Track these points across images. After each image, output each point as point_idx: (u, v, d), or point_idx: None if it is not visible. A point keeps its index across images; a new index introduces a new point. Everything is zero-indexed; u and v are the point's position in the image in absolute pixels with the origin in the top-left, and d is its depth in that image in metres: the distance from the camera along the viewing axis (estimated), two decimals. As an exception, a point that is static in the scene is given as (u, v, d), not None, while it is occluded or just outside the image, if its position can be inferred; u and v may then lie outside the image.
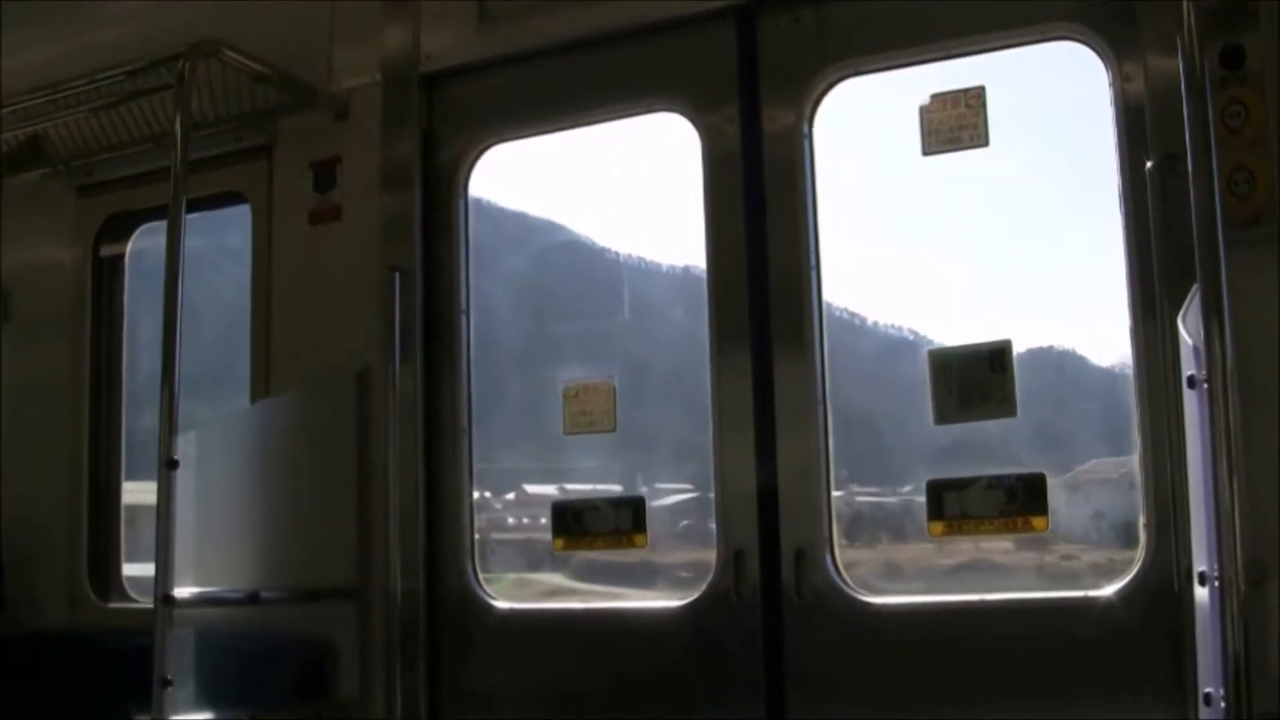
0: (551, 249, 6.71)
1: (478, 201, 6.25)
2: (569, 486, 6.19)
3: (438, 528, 6.01)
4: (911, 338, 5.58)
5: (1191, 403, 4.31)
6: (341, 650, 6.01)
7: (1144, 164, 4.71)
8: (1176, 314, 4.45)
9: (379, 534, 5.87)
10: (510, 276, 6.61)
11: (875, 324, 5.83)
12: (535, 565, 6.16)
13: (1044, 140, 5.30)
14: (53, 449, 7.25)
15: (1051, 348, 5.31)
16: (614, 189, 6.16)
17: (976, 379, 5.02)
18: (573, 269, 6.68)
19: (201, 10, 6.69)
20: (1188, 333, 4.33)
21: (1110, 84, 4.98)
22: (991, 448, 5.18)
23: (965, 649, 5.02)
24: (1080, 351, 5.35)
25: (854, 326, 5.79)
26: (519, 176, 6.33)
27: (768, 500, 5.38)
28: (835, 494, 5.34)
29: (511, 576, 6.16)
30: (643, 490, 5.92)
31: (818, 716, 5.23)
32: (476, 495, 6.09)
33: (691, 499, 5.93)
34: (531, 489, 6.36)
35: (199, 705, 5.70)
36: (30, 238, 7.52)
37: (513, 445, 6.49)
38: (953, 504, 5.04)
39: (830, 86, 5.49)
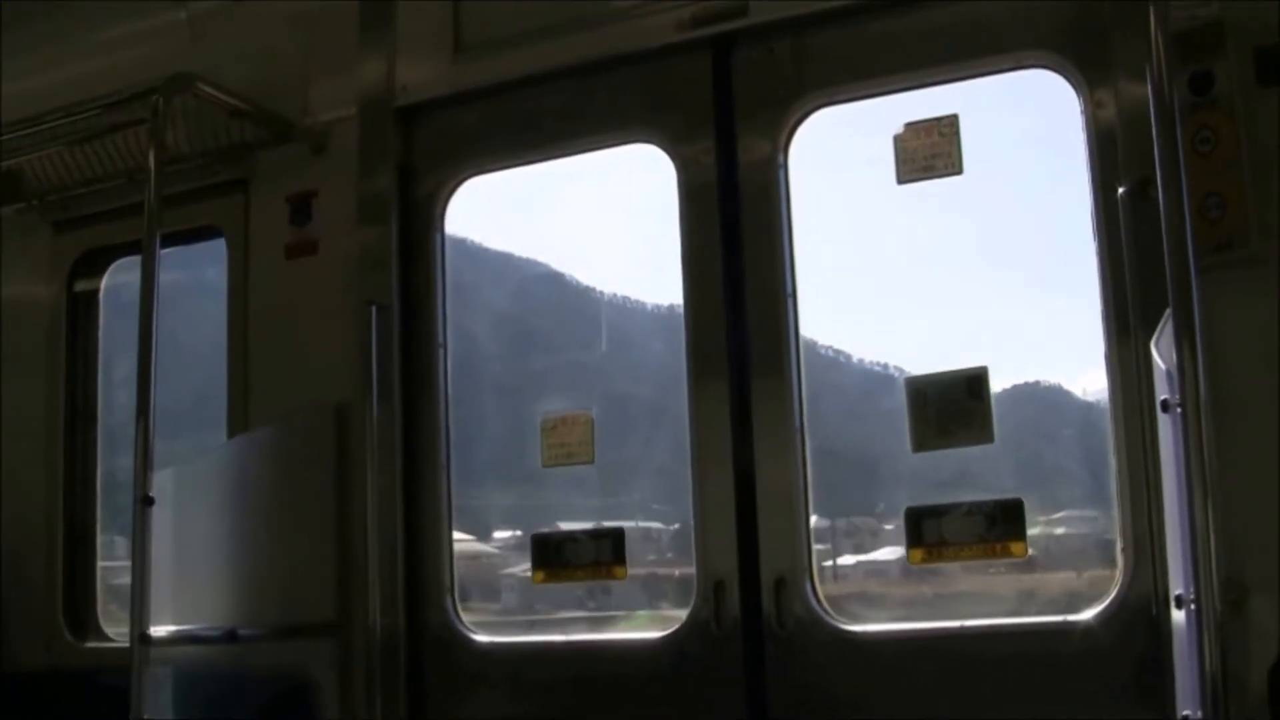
0: (529, 281, 6.72)
1: (454, 234, 6.24)
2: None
3: (417, 562, 5.99)
4: (888, 366, 5.59)
5: (1166, 427, 4.33)
6: (322, 687, 5.96)
7: (1116, 190, 4.74)
8: (1150, 339, 4.47)
9: (359, 569, 5.82)
10: (488, 310, 6.61)
11: (852, 353, 5.85)
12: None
13: (1017, 167, 5.32)
14: (27, 487, 7.20)
15: (1028, 375, 5.32)
16: (590, 221, 6.18)
17: (954, 406, 5.03)
18: (550, 301, 6.69)
19: (177, 44, 6.71)
20: (1161, 357, 4.35)
21: (1082, 111, 5.00)
22: (971, 475, 5.20)
23: (947, 676, 5.01)
24: (1056, 378, 5.37)
25: (831, 355, 5.80)
26: (496, 209, 6.33)
27: (747, 530, 5.37)
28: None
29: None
30: (625, 522, 5.89)
31: (800, 746, 5.23)
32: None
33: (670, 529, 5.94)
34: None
35: (177, 745, 5.68)
36: (5, 273, 7.49)
37: (491, 478, 6.48)
38: (932, 530, 5.03)
39: (805, 116, 5.51)
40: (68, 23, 7.12)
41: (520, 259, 6.68)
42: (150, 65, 6.32)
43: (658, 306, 6.18)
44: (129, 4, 6.92)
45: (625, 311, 6.45)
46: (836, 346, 5.79)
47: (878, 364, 5.76)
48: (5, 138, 6.53)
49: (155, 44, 6.81)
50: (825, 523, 5.48)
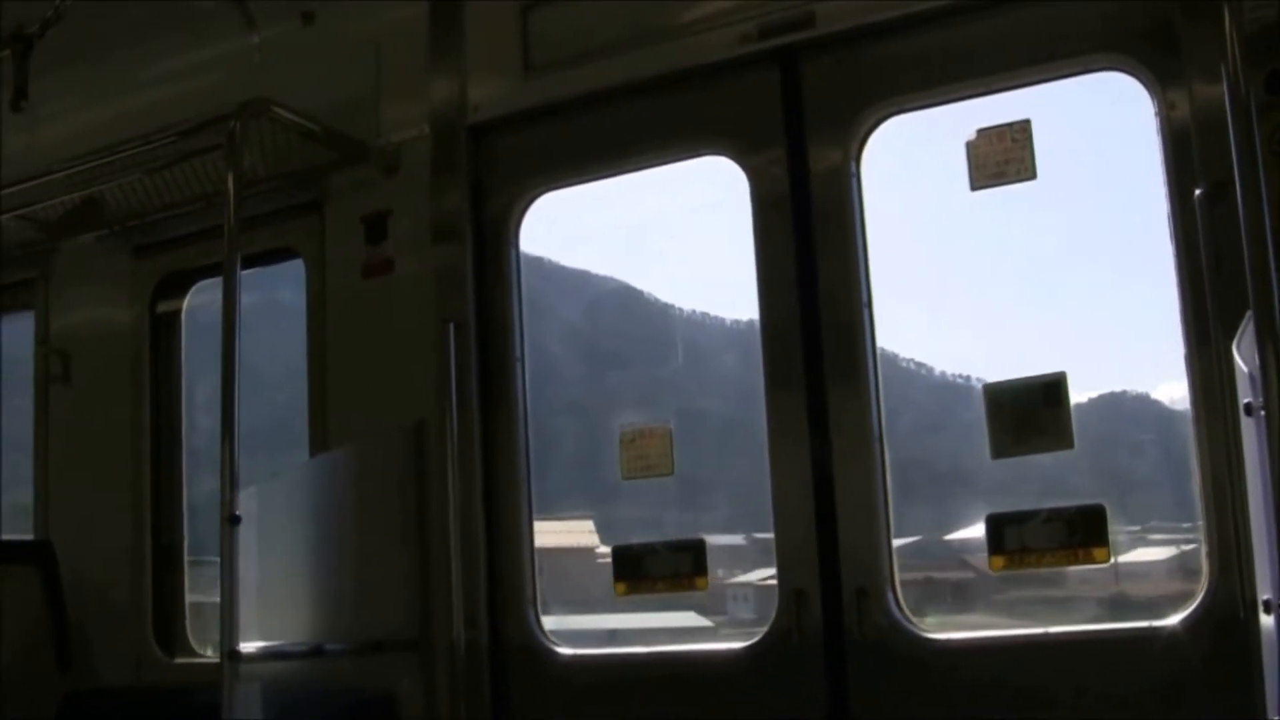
0: (603, 296, 6.74)
1: (529, 251, 6.28)
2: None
3: (499, 577, 6.02)
4: (969, 377, 5.57)
5: (1249, 430, 4.27)
6: (406, 702, 6.00)
7: (1192, 192, 4.71)
8: (1231, 341, 4.42)
9: (441, 584, 5.88)
10: (563, 325, 6.63)
11: (929, 361, 5.84)
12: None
13: (1091, 172, 5.29)
14: (114, 507, 7.29)
15: (1107, 380, 5.31)
16: (664, 234, 6.19)
17: (1032, 413, 5.01)
18: (625, 315, 6.70)
19: (249, 70, 6.77)
20: (1243, 360, 4.30)
21: (1155, 113, 4.98)
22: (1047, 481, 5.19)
23: (1030, 684, 4.99)
24: (1136, 382, 5.35)
25: (909, 364, 5.79)
26: (569, 224, 6.36)
27: (827, 539, 5.37)
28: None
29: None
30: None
31: (883, 756, 5.22)
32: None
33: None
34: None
35: (267, 759, 5.73)
36: (87, 299, 7.64)
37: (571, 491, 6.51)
38: (1013, 537, 5.01)
39: (875, 125, 5.51)
40: (143, 52, 7.19)
41: (594, 273, 6.71)
42: (224, 91, 6.40)
43: (735, 321, 6.19)
44: (201, 32, 6.97)
45: (700, 325, 6.46)
46: (914, 355, 5.79)
47: (957, 373, 5.75)
48: (85, 166, 6.62)
49: (228, 70, 6.89)
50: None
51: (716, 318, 6.45)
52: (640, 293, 6.63)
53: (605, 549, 6.02)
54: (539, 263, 6.39)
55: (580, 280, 6.77)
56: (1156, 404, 5.32)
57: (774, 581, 5.52)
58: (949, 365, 5.79)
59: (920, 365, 5.90)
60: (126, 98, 7.24)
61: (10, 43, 6.34)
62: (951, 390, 5.78)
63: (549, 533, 6.22)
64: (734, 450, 6.09)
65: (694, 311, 6.45)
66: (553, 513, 6.33)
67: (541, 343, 6.31)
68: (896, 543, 5.33)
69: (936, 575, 5.73)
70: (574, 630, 6.21)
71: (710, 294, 6.23)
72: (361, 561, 6.13)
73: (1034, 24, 5.20)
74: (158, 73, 7.22)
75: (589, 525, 6.32)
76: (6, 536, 7.60)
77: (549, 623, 6.04)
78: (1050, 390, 4.99)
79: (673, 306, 6.48)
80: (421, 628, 5.98)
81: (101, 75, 7.33)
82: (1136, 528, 5.25)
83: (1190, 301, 4.81)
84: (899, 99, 5.48)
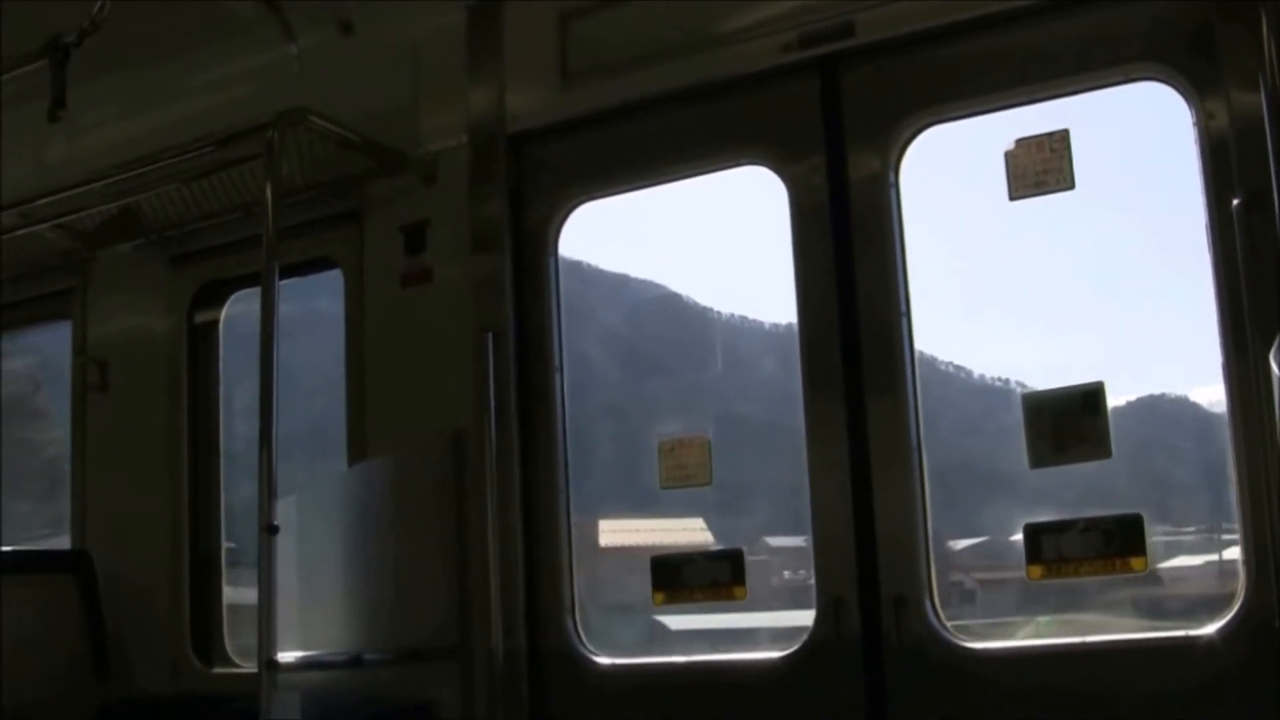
0: (642, 304, 6.75)
1: (568, 259, 6.30)
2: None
3: (537, 586, 6.03)
4: (1010, 380, 5.58)
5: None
6: (445, 710, 6.01)
7: (1230, 201, 4.70)
8: (1268, 351, 4.42)
9: (479, 593, 5.90)
10: (603, 333, 6.65)
11: (969, 370, 5.84)
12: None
13: (1130, 181, 5.30)
14: (151, 517, 7.33)
15: (1145, 389, 5.31)
16: (703, 243, 6.20)
17: (1071, 421, 5.01)
18: (664, 323, 6.71)
19: (287, 79, 6.80)
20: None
21: (1194, 123, 4.97)
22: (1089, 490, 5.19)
23: (1068, 693, 4.99)
24: (1173, 391, 5.35)
25: (947, 372, 5.80)
26: (608, 233, 6.38)
27: (865, 548, 5.38)
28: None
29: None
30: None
31: (922, 765, 5.23)
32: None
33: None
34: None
35: (305, 769, 5.74)
36: (125, 308, 7.68)
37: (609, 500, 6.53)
38: (1050, 547, 5.01)
39: (915, 134, 5.52)
40: (181, 62, 7.22)
41: (633, 282, 6.72)
42: (262, 101, 6.42)
43: (774, 325, 6.20)
44: (240, 42, 7.01)
45: (740, 332, 6.47)
46: (953, 363, 5.80)
47: (997, 379, 5.76)
48: (123, 176, 6.66)
49: (266, 80, 6.92)
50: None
51: (756, 321, 6.46)
52: (680, 297, 6.64)
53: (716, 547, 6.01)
54: (578, 271, 6.41)
55: (620, 288, 6.79)
56: (1193, 411, 5.32)
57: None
58: (989, 370, 5.81)
59: (960, 369, 5.91)
60: (164, 108, 7.25)
61: (48, 51, 6.36)
62: (992, 394, 5.78)
63: (658, 530, 6.20)
64: (773, 457, 6.09)
65: (734, 315, 6.47)
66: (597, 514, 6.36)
67: (581, 351, 6.32)
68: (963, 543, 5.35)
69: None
70: (689, 630, 6.21)
71: (752, 298, 6.26)
72: (399, 570, 6.16)
73: (1072, 33, 5.21)
74: (196, 83, 7.24)
75: (700, 523, 6.26)
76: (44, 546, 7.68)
77: (672, 623, 6.07)
78: (1089, 399, 4.99)
79: (713, 310, 6.49)
80: (460, 636, 5.99)
81: (139, 85, 7.36)
82: (1175, 534, 5.26)
83: (1228, 310, 4.80)
84: (938, 108, 5.50)
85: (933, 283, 5.47)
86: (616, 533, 6.43)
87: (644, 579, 5.86)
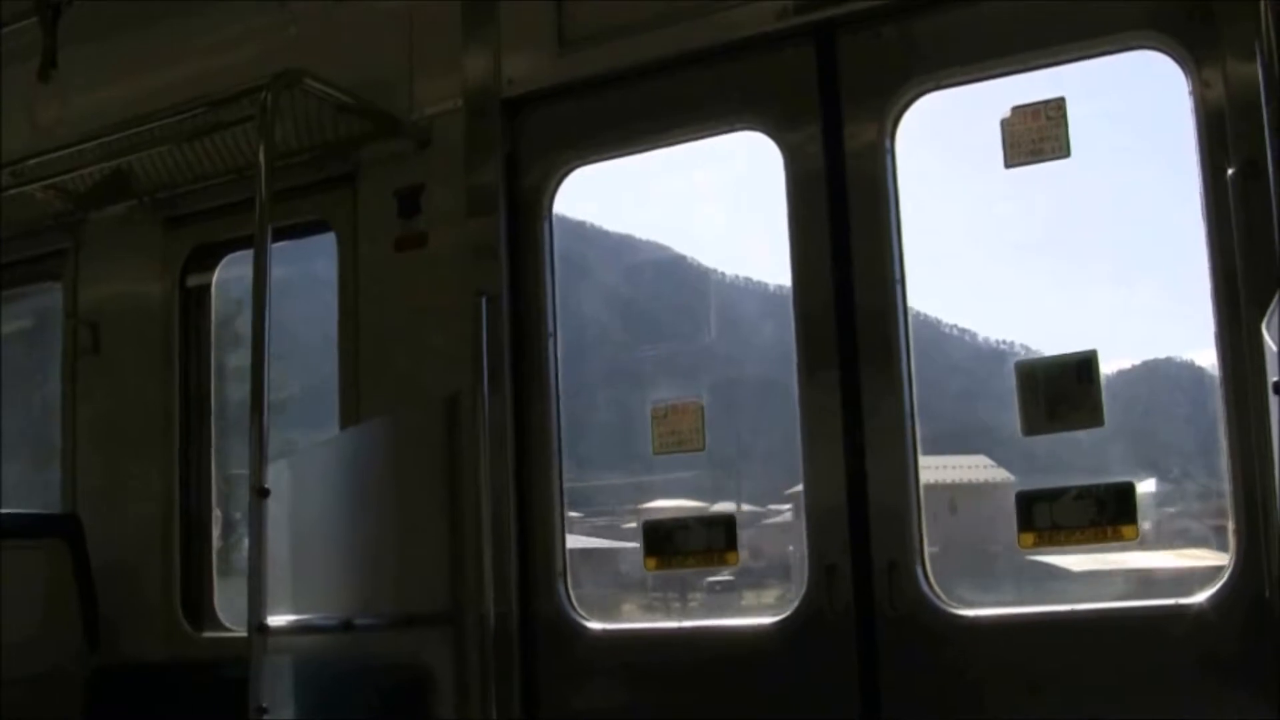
0: (637, 268, 6.74)
1: (562, 223, 6.29)
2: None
3: (530, 551, 6.04)
4: (998, 349, 5.58)
5: (1277, 409, 4.29)
6: (437, 674, 6.03)
7: (1225, 171, 4.71)
8: (1261, 320, 4.43)
9: (471, 558, 5.89)
10: (597, 298, 6.64)
11: (962, 336, 5.84)
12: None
13: (1126, 149, 5.30)
14: (142, 480, 7.33)
15: (1139, 357, 5.31)
16: (698, 208, 6.20)
17: (1064, 390, 5.02)
18: (659, 288, 6.71)
19: (282, 43, 6.78)
20: (1272, 339, 4.31)
21: (1190, 92, 4.98)
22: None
23: (1057, 659, 5.02)
24: (1166, 360, 5.35)
25: (941, 339, 5.80)
26: (603, 198, 6.37)
27: (858, 514, 5.38)
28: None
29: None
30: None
31: (914, 729, 5.24)
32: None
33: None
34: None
35: (295, 734, 5.75)
36: (117, 271, 7.66)
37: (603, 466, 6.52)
38: (1043, 515, 5.02)
39: (911, 101, 5.51)
40: (175, 25, 7.21)
41: (628, 246, 6.71)
42: (256, 65, 6.41)
43: (763, 289, 6.19)
44: (235, 5, 7.00)
45: (734, 296, 6.46)
46: (948, 329, 5.80)
47: (993, 343, 5.76)
48: (115, 137, 6.63)
49: (261, 44, 6.91)
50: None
51: (749, 287, 6.46)
52: (673, 263, 6.63)
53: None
54: (573, 235, 6.40)
55: (614, 252, 6.78)
56: (1186, 381, 5.33)
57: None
58: (982, 338, 5.81)
59: (964, 331, 5.91)
60: (158, 70, 7.22)
61: (39, 9, 6.33)
62: (986, 361, 5.77)
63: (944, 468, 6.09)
64: (767, 423, 6.09)
65: (725, 279, 6.46)
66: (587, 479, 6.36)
67: (575, 315, 6.32)
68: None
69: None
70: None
71: (746, 266, 6.26)
72: (391, 535, 6.14)
73: (1069, 2, 5.20)
74: (190, 45, 7.21)
75: (984, 460, 6.12)
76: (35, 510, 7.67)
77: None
78: (1082, 368, 5.00)
79: (706, 276, 6.48)
80: (452, 601, 5.99)
81: (133, 47, 7.36)
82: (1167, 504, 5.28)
83: (1221, 280, 4.80)
84: (934, 75, 5.48)
85: (928, 251, 5.46)
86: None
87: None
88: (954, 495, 5.85)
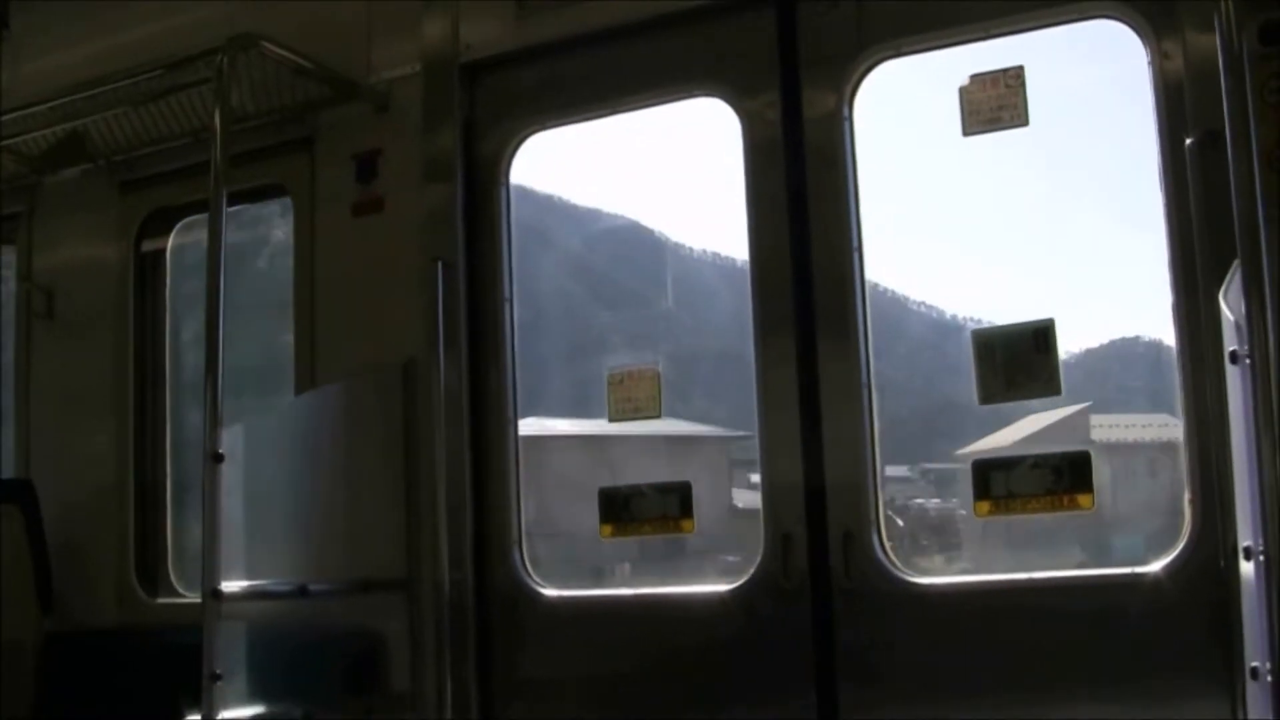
0: (595, 236, 6.73)
1: (520, 189, 6.26)
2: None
3: (485, 517, 6.03)
4: (955, 318, 5.59)
5: (1234, 378, 4.28)
6: (392, 642, 6.03)
7: (1184, 141, 4.71)
8: (1218, 290, 4.43)
9: (427, 525, 5.88)
10: (554, 264, 6.63)
11: (919, 305, 5.84)
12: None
13: (1084, 119, 5.30)
14: (96, 446, 7.29)
15: (1096, 327, 5.32)
16: (656, 175, 6.18)
17: (1021, 359, 5.02)
18: (617, 255, 6.70)
19: (239, 5, 6.70)
20: (1229, 308, 4.31)
21: (1149, 62, 4.98)
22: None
23: (1013, 628, 5.03)
24: (1123, 329, 5.36)
25: (898, 309, 5.80)
26: (561, 164, 6.35)
27: (814, 484, 5.38)
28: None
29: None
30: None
31: (868, 698, 5.25)
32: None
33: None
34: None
35: (249, 700, 5.71)
36: (72, 235, 7.60)
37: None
38: (999, 483, 5.03)
39: (870, 69, 5.49)
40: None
41: (586, 213, 6.70)
42: (213, 27, 6.34)
43: (720, 258, 6.18)
44: (191, -34, 6.93)
45: (691, 264, 6.45)
46: (904, 299, 5.79)
47: (947, 315, 5.76)
48: (70, 99, 6.56)
49: (218, 5, 6.79)
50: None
51: (707, 255, 6.45)
52: (630, 230, 6.62)
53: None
54: (530, 201, 6.37)
55: (572, 219, 6.77)
56: (1142, 350, 5.34)
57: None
58: (939, 309, 5.81)
59: (909, 305, 5.91)
60: (114, 32, 7.15)
61: (-12, -32, 6.29)
62: (939, 332, 5.79)
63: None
64: (724, 390, 6.09)
65: (683, 247, 6.45)
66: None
67: (532, 282, 6.29)
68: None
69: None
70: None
71: (703, 233, 6.25)
72: (347, 501, 6.13)
73: (1031, -31, 5.20)
74: (147, 7, 7.14)
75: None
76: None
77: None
78: (1039, 336, 5.00)
79: (664, 244, 6.47)
80: (407, 568, 5.98)
81: (88, 8, 7.29)
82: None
83: (1179, 249, 4.81)
84: (894, 43, 5.46)
85: (885, 219, 5.46)
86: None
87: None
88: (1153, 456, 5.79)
